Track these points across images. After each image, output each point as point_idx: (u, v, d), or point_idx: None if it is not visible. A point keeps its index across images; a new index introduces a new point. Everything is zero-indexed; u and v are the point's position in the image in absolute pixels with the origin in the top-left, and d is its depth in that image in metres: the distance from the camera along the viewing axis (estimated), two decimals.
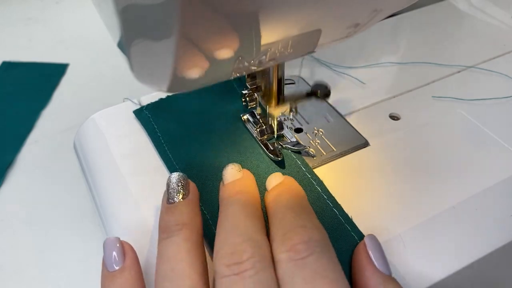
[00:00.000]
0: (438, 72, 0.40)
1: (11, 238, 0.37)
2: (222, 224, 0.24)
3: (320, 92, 0.31)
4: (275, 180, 0.27)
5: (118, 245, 0.24)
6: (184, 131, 0.34)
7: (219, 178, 0.30)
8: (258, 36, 0.20)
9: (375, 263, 0.24)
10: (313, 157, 0.32)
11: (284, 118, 0.36)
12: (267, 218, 0.26)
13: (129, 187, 0.31)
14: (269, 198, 0.27)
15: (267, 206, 0.26)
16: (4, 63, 0.56)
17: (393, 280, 0.23)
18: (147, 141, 0.34)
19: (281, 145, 0.32)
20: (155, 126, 0.34)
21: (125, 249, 0.24)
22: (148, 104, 0.36)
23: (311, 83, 0.39)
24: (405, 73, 0.40)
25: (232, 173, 0.27)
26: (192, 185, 0.26)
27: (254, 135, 0.33)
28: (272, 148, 0.32)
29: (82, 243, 0.36)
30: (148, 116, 0.35)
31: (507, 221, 0.28)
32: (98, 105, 0.37)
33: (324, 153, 0.33)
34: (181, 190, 0.26)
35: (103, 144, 0.34)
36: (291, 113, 0.31)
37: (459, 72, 0.40)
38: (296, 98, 0.31)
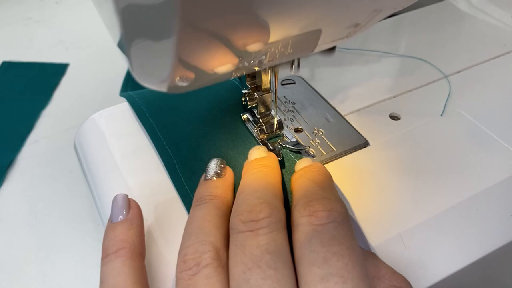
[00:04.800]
0: (438, 72, 0.40)
1: (11, 238, 0.37)
2: (242, 188, 0.25)
3: None
4: (305, 162, 0.27)
5: (124, 200, 0.26)
6: (182, 130, 0.34)
7: None
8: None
9: None
10: (313, 157, 0.32)
11: (284, 118, 0.36)
12: (291, 195, 0.26)
13: (129, 187, 0.31)
14: (296, 175, 0.27)
15: (293, 182, 0.27)
16: (4, 63, 0.56)
17: None
18: (147, 141, 0.34)
19: (281, 145, 0.32)
20: (152, 122, 0.34)
21: (130, 204, 0.26)
22: (143, 98, 0.36)
23: (311, 83, 0.39)
24: (405, 73, 0.40)
25: (258, 153, 0.28)
26: (229, 169, 0.28)
27: (254, 134, 0.33)
28: (272, 148, 0.32)
29: (82, 243, 0.36)
30: (144, 111, 0.35)
31: (507, 221, 0.28)
32: (98, 105, 0.37)
33: (324, 153, 0.33)
34: (218, 171, 0.27)
35: (103, 144, 0.34)
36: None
37: (459, 72, 0.40)
38: None
